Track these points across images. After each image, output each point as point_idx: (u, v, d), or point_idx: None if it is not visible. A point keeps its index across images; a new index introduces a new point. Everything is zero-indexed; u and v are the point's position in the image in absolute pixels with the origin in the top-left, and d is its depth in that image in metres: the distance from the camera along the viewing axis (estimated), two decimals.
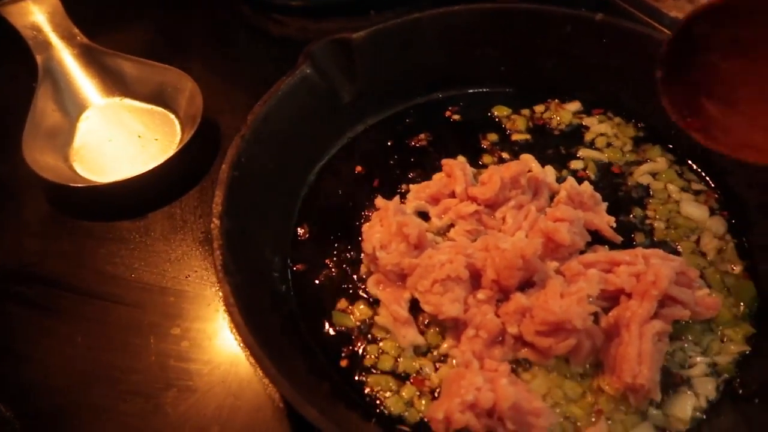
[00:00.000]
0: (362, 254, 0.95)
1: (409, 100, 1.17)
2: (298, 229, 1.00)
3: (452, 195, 1.01)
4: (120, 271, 1.01)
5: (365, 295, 0.92)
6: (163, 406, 0.87)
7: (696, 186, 1.05)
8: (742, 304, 0.90)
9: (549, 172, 1.05)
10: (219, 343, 0.93)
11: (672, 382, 0.83)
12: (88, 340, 0.94)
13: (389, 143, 1.12)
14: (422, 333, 0.88)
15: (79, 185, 1.06)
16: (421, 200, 1.02)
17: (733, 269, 0.94)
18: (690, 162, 1.07)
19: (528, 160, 1.04)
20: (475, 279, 0.89)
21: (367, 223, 0.96)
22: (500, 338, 0.85)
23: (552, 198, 1.01)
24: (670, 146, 1.09)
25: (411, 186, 1.04)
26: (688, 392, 0.82)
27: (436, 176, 1.05)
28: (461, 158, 1.07)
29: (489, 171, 0.99)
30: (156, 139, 1.18)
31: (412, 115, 1.16)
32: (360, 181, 1.07)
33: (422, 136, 1.13)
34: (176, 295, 0.98)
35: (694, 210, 1.01)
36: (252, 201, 0.93)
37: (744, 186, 1.00)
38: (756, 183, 0.99)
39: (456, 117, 1.16)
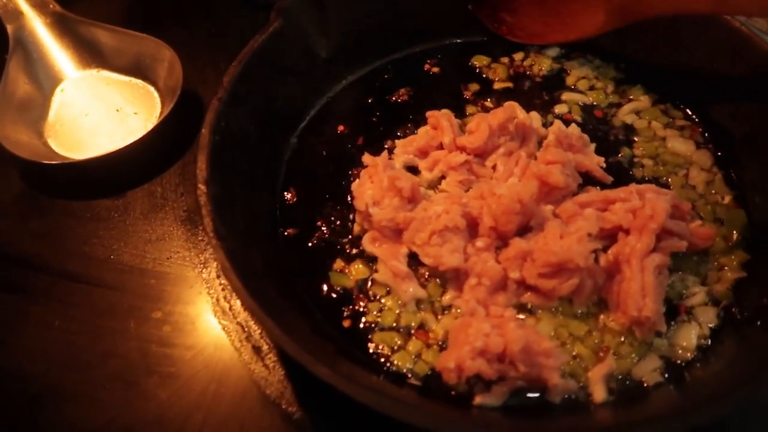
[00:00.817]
0: (355, 213, 0.89)
1: (386, 55, 1.10)
2: (285, 193, 0.94)
3: (440, 147, 0.95)
4: (98, 252, 0.94)
5: (361, 254, 0.86)
6: (144, 393, 0.80)
7: (680, 122, 1.01)
8: (734, 232, 0.87)
9: (535, 118, 1.00)
10: (202, 327, 0.86)
11: (673, 312, 0.80)
12: (65, 324, 0.86)
13: (369, 100, 1.05)
14: (423, 286, 0.83)
15: (54, 162, 0.98)
16: (409, 154, 0.96)
17: (723, 200, 0.92)
18: (673, 98, 1.03)
19: (513, 106, 0.98)
20: (472, 228, 0.84)
21: (356, 181, 0.91)
22: (503, 285, 0.81)
23: (540, 143, 0.96)
24: (652, 85, 1.05)
25: (397, 141, 0.98)
26: (691, 322, 0.80)
27: (422, 129, 0.99)
28: (446, 111, 1.00)
29: (476, 119, 0.94)
30: (135, 113, 1.10)
31: (390, 70, 1.10)
32: (344, 141, 1.00)
33: (402, 91, 1.06)
34: (157, 277, 0.91)
35: (680, 145, 0.98)
36: (236, 166, 0.86)
37: (727, 118, 0.97)
38: (739, 114, 0.95)
39: (435, 70, 1.10)
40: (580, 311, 0.80)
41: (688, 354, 0.77)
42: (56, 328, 0.86)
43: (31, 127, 1.05)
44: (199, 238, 0.95)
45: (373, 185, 0.87)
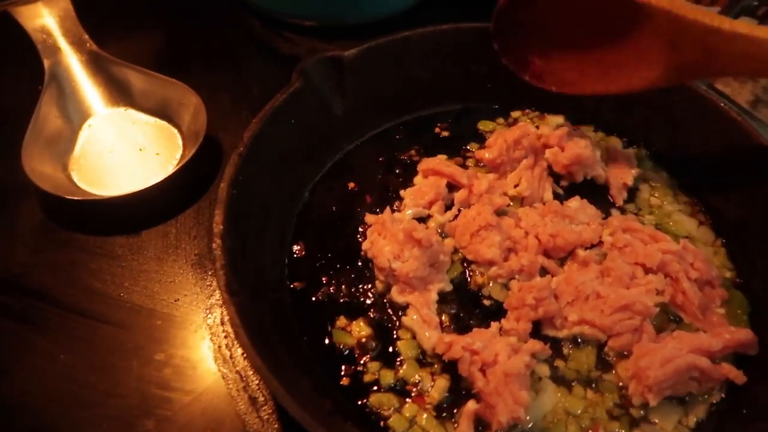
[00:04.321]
0: (359, 270, 0.87)
1: (399, 116, 1.08)
2: (294, 246, 0.90)
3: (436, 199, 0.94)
4: (109, 289, 0.90)
5: (363, 312, 0.83)
6: None
7: (682, 198, 0.98)
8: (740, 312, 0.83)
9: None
10: (202, 372, 0.82)
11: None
12: (70, 359, 0.83)
13: (380, 159, 1.02)
14: None
15: (75, 198, 0.95)
16: (419, 207, 0.93)
17: (725, 274, 0.87)
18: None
19: (526, 125, 0.99)
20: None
21: (366, 242, 0.87)
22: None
23: None
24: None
25: (403, 192, 0.96)
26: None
27: (418, 180, 0.98)
28: (441, 156, 1.00)
29: (494, 135, 0.98)
30: (157, 154, 1.07)
31: (402, 131, 1.07)
32: (353, 198, 0.97)
33: (412, 152, 1.04)
34: (164, 318, 0.87)
35: (684, 220, 0.94)
36: (250, 219, 0.83)
37: (720, 201, 0.93)
38: (731, 199, 0.92)
39: (445, 133, 1.07)
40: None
41: None
42: (60, 363, 0.83)
43: (56, 160, 1.03)
44: (207, 283, 0.91)
45: (388, 241, 0.84)
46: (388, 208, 0.90)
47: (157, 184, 0.95)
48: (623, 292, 0.79)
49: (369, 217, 0.90)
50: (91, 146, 1.08)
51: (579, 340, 0.80)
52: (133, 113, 1.13)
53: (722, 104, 0.92)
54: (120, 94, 1.14)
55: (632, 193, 0.97)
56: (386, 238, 0.85)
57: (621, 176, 0.97)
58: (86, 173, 1.03)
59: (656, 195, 0.97)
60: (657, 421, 0.73)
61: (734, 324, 0.80)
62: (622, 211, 0.95)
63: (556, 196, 0.97)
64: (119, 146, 1.08)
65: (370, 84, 1.02)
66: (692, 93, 0.94)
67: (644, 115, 1.01)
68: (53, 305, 0.88)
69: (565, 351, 0.79)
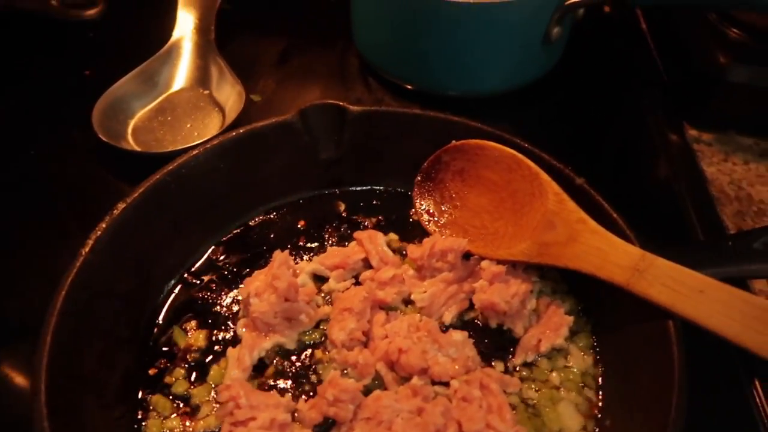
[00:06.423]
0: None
1: (386, 184, 1.10)
2: (218, 247, 1.00)
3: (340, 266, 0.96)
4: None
5: (212, 327, 0.90)
6: None
7: (589, 393, 0.84)
8: None
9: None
10: None
11: None
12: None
13: (342, 213, 1.07)
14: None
15: (105, 140, 1.15)
16: (322, 266, 0.96)
17: None
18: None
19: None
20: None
21: (257, 271, 0.93)
22: None
23: None
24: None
25: (329, 248, 0.99)
26: None
27: (352, 244, 1.00)
28: (374, 231, 1.01)
29: (430, 238, 0.96)
30: (196, 134, 1.25)
31: (379, 197, 1.09)
32: (293, 233, 1.03)
33: (374, 219, 1.06)
34: None
35: (568, 415, 0.82)
36: (184, 204, 0.95)
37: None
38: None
39: (416, 217, 1.06)
40: None
41: None
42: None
43: (127, 111, 1.24)
44: None
45: (263, 278, 0.89)
46: (287, 251, 0.93)
47: (165, 152, 1.13)
48: None
49: (275, 253, 0.95)
50: (159, 110, 1.29)
51: None
52: (203, 96, 1.33)
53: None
54: (204, 79, 1.34)
55: (539, 359, 0.87)
56: (266, 276, 0.90)
57: (540, 338, 0.87)
58: (138, 127, 1.25)
59: (562, 375, 0.86)
60: None
61: None
62: (508, 370, 0.86)
63: (463, 325, 0.91)
64: (176, 118, 1.27)
65: (367, 144, 1.06)
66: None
67: (617, 299, 0.84)
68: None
69: None
